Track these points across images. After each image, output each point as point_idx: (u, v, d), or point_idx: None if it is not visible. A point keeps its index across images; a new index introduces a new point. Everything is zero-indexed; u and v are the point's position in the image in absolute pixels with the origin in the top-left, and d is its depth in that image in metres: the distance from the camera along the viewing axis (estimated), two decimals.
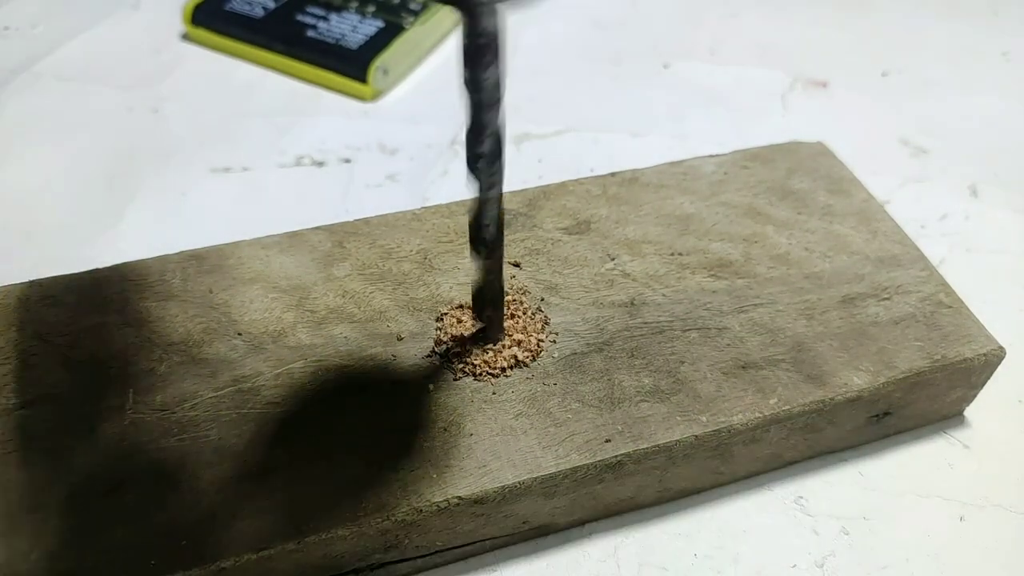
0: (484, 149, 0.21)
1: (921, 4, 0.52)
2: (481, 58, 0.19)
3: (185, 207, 0.37)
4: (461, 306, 0.27)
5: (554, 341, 0.27)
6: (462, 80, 0.20)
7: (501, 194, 0.22)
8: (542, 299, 0.28)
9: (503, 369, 0.26)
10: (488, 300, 0.25)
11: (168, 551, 0.21)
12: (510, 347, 0.26)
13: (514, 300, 0.28)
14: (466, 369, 0.26)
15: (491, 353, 0.26)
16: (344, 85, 0.43)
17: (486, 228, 0.23)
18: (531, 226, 0.31)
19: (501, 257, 0.24)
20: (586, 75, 0.46)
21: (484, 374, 0.26)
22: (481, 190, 0.22)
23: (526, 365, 0.26)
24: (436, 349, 0.26)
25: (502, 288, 0.25)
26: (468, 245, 0.24)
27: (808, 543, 0.26)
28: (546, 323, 0.27)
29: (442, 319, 0.27)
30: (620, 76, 0.46)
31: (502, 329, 0.26)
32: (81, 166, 0.39)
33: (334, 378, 0.25)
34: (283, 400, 0.25)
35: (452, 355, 0.26)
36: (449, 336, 0.26)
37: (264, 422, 0.24)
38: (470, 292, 0.27)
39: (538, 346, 0.26)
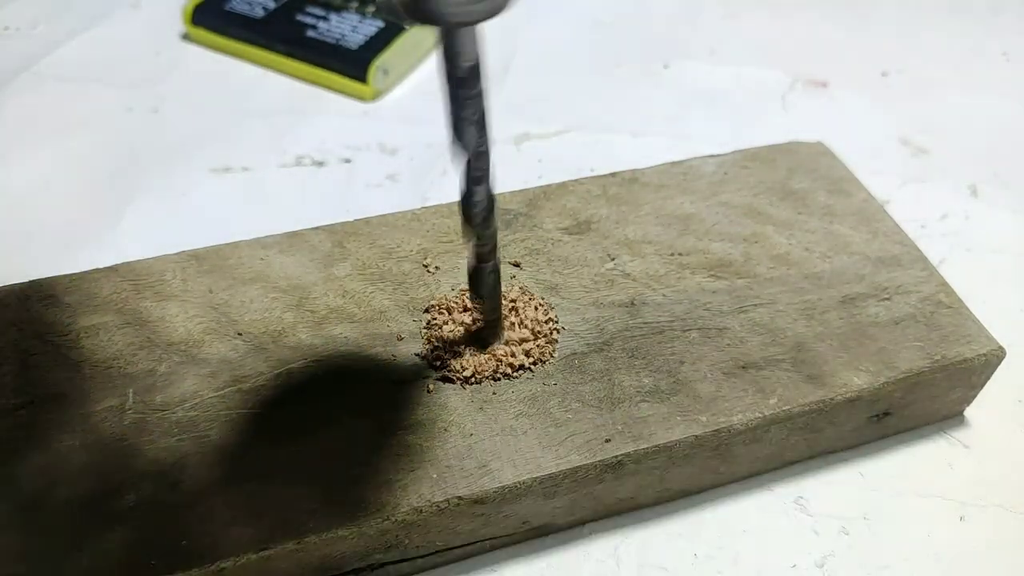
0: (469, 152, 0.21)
1: (921, 4, 0.52)
2: (465, 81, 0.19)
3: (185, 207, 0.37)
4: (457, 302, 0.27)
5: (556, 341, 0.27)
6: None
7: (490, 182, 0.22)
8: (542, 299, 0.28)
9: (505, 374, 0.26)
10: (486, 297, 0.25)
11: (168, 551, 0.21)
12: (513, 352, 0.26)
13: (516, 299, 0.28)
14: (462, 374, 0.25)
15: (489, 356, 0.26)
16: (344, 85, 0.43)
17: (476, 214, 0.23)
18: (531, 226, 0.31)
19: (496, 246, 0.24)
20: (586, 75, 0.46)
21: (484, 378, 0.25)
22: (468, 182, 0.22)
23: (530, 369, 0.26)
24: (425, 353, 0.26)
25: (498, 284, 0.25)
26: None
27: (808, 543, 0.26)
28: (552, 324, 0.27)
29: (429, 310, 0.27)
30: (620, 76, 0.46)
31: (501, 331, 0.26)
32: (81, 166, 0.39)
33: (334, 378, 0.25)
34: (283, 400, 0.25)
35: (446, 358, 0.26)
36: (440, 338, 0.26)
37: (264, 422, 0.24)
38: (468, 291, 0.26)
39: (540, 351, 0.26)
